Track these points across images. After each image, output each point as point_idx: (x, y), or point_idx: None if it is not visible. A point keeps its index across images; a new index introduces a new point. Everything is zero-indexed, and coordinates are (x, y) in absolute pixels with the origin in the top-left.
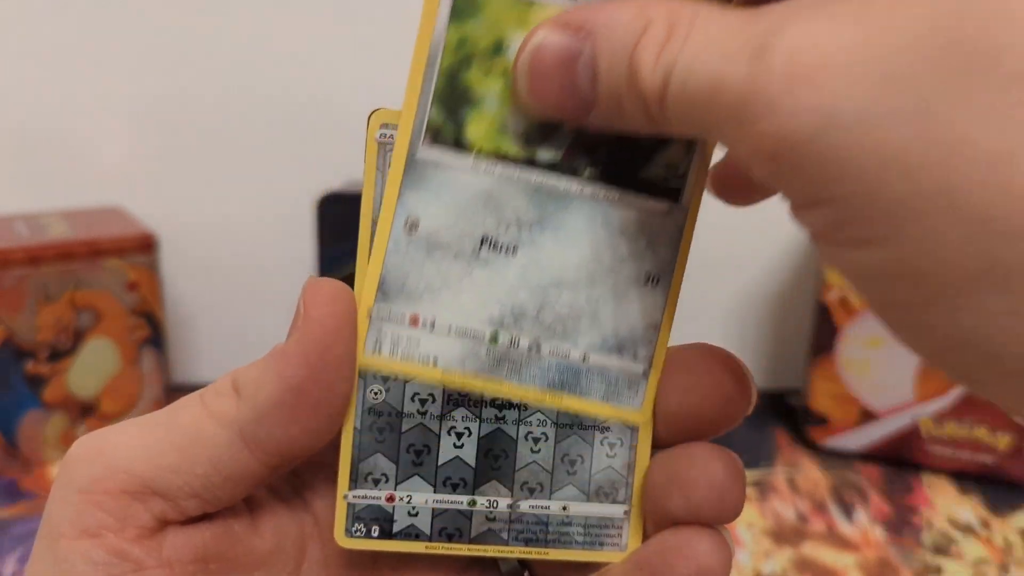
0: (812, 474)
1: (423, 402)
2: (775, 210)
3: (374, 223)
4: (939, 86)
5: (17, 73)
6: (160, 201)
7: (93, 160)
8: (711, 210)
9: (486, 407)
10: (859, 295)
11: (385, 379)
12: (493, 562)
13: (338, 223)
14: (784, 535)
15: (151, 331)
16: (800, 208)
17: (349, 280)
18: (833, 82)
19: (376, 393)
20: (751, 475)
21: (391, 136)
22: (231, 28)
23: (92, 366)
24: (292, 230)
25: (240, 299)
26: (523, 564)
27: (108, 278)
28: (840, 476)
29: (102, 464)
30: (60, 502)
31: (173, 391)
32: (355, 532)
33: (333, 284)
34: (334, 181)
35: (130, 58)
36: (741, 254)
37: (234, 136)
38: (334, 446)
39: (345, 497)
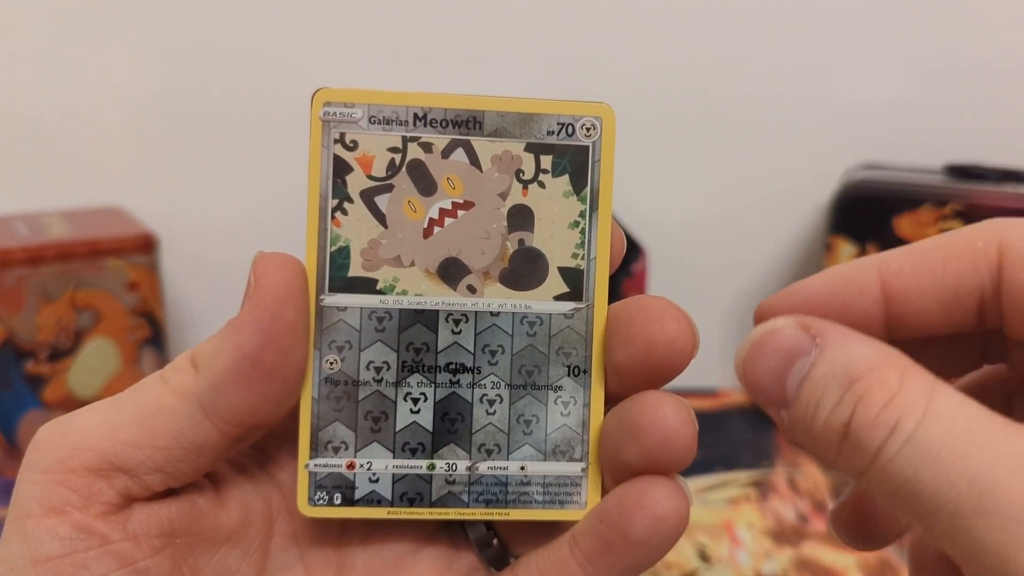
0: (812, 474)
1: (378, 370)
2: (775, 210)
3: (322, 199)
4: None
5: (17, 73)
6: (160, 201)
7: (93, 160)
8: (711, 211)
9: (440, 372)
10: None
11: (340, 349)
12: (461, 528)
13: None
14: (784, 535)
15: (151, 331)
16: None
17: None
18: None
19: (332, 363)
20: (751, 475)
21: (335, 114)
22: (231, 28)
23: (92, 366)
24: (292, 230)
25: (240, 299)
26: (490, 529)
27: (108, 278)
28: (840, 476)
29: (67, 444)
30: (27, 484)
31: None
32: (318, 500)
33: (282, 256)
34: None
35: (130, 58)
36: (741, 255)
37: (234, 136)
38: (296, 418)
39: (306, 466)
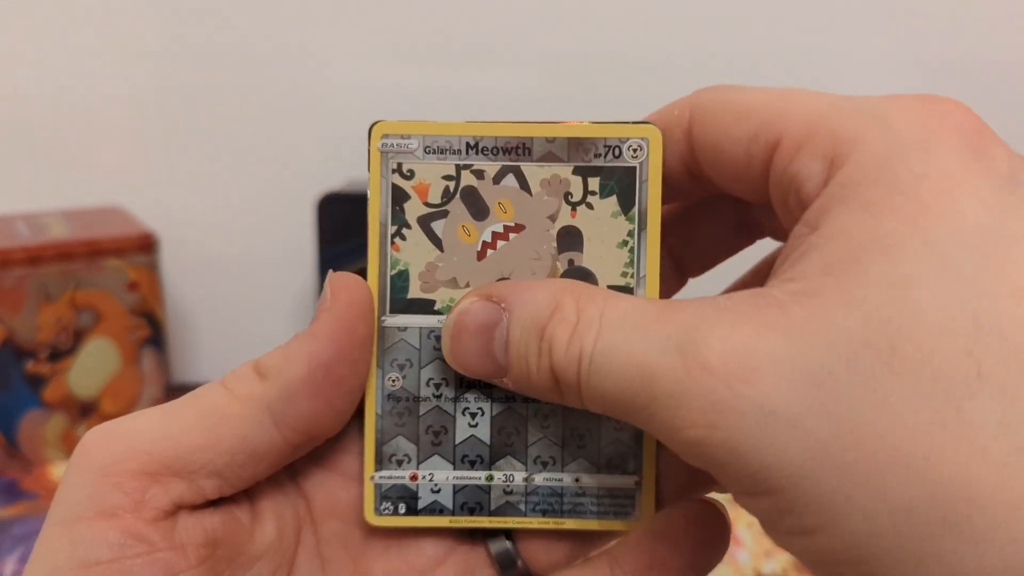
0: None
1: (437, 386)
2: None
3: (382, 226)
4: (857, 388)
5: (17, 72)
6: (160, 201)
7: (93, 160)
8: None
9: (496, 388)
10: (810, 573)
11: (401, 367)
12: (482, 543)
13: (338, 223)
14: None
15: (151, 331)
16: (740, 496)
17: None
18: (766, 383)
19: (394, 381)
20: None
21: (393, 145)
22: (231, 28)
23: (92, 366)
24: (292, 230)
25: (240, 299)
26: (512, 545)
27: (108, 278)
28: None
29: (122, 446)
30: (75, 485)
31: (173, 391)
32: (383, 510)
33: (355, 276)
34: (334, 181)
35: (130, 58)
36: (740, 255)
37: (234, 136)
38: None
39: (372, 478)
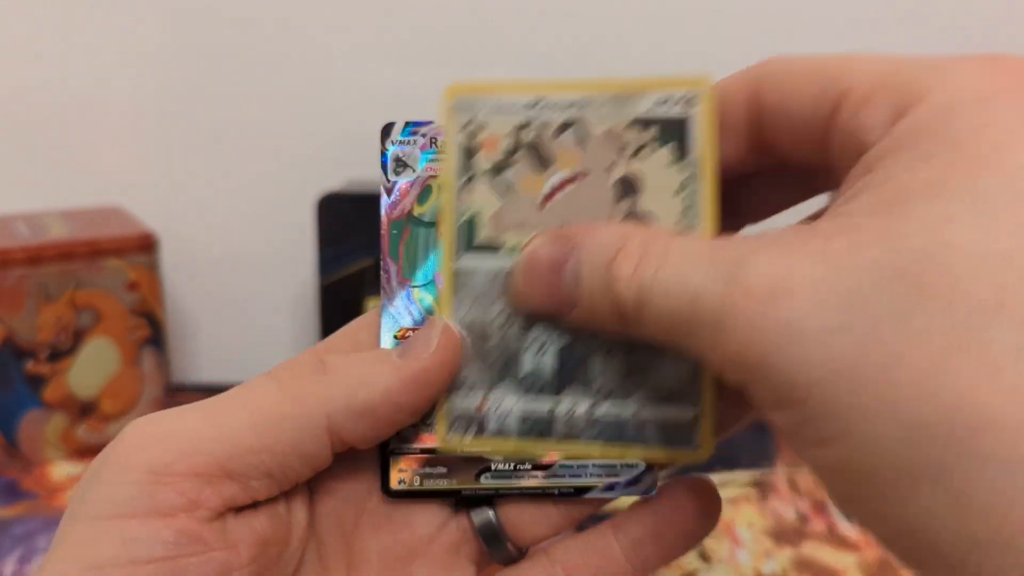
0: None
1: (504, 322)
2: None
3: (455, 178)
4: (883, 310)
5: (17, 72)
6: (160, 201)
7: (93, 160)
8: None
9: (560, 324)
10: (824, 488)
11: (472, 303)
12: (468, 519)
13: (338, 223)
14: (784, 535)
15: (151, 331)
16: (768, 409)
17: (354, 277)
18: (799, 303)
19: (466, 315)
20: (751, 475)
21: (464, 103)
22: (231, 28)
23: (92, 366)
24: (292, 230)
25: (240, 299)
26: (494, 512)
27: (108, 278)
28: None
29: (174, 446)
30: (122, 483)
31: (173, 391)
32: (453, 433)
33: (457, 336)
34: (334, 181)
35: (131, 58)
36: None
37: (234, 136)
38: None
39: (444, 406)
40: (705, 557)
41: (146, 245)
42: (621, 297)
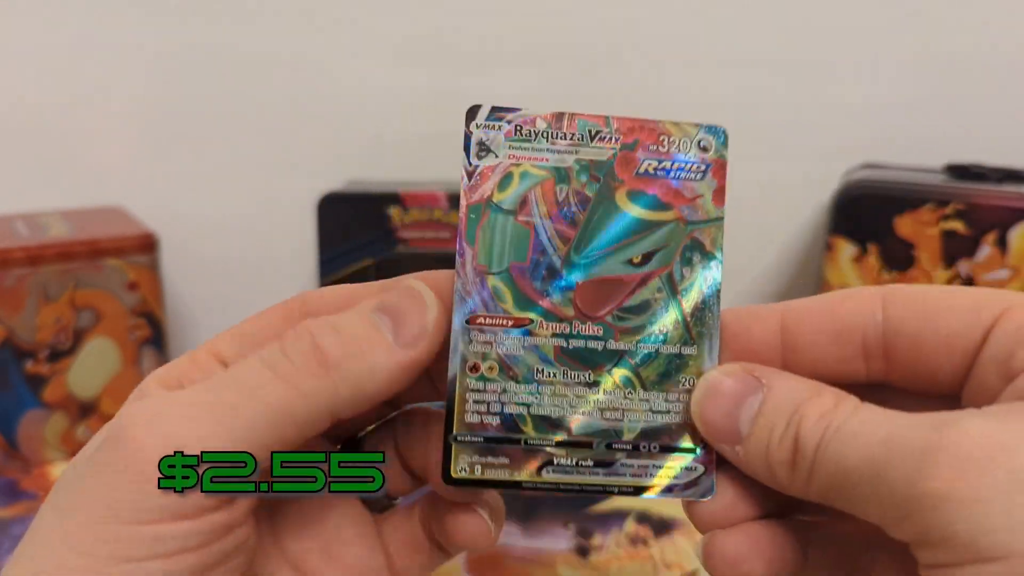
0: None
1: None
2: (775, 210)
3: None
4: None
5: (17, 73)
6: (160, 201)
7: (93, 160)
8: None
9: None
10: None
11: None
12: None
13: (338, 223)
14: None
15: (151, 331)
16: (932, 547)
17: (354, 277)
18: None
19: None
20: None
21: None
22: (231, 29)
23: (92, 366)
24: (292, 230)
25: (240, 299)
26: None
27: (108, 278)
28: None
29: (185, 449)
30: (139, 492)
31: None
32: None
33: (444, 274)
34: (334, 181)
35: (130, 58)
36: (740, 255)
37: (234, 136)
38: None
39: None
40: None
41: (146, 245)
42: (802, 439)
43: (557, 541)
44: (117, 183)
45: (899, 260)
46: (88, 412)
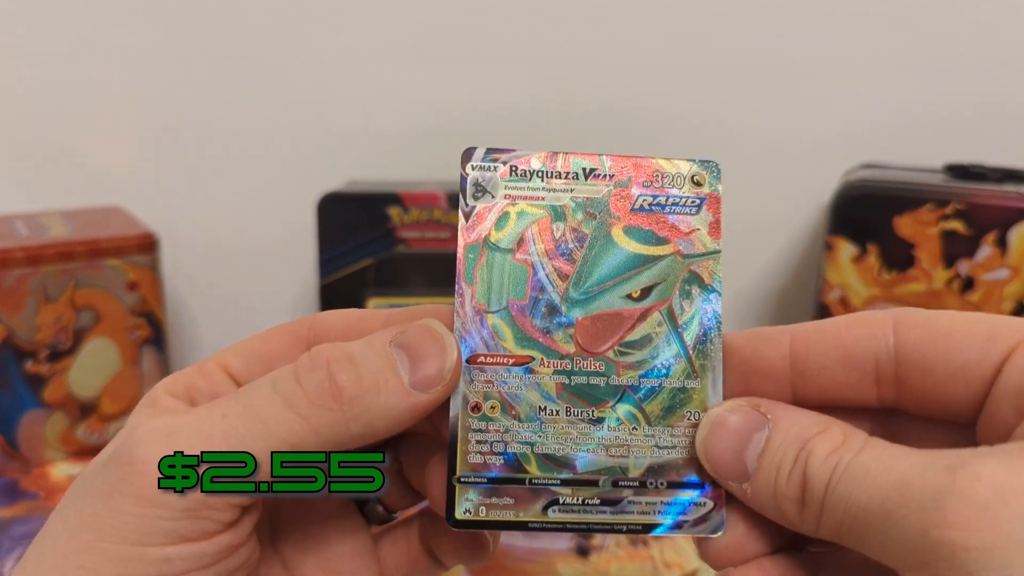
0: None
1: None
2: (776, 210)
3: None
4: None
5: (17, 73)
6: (160, 201)
7: (93, 160)
8: None
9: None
10: None
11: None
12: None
13: (338, 223)
14: None
15: (151, 331)
16: None
17: (354, 277)
18: None
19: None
20: None
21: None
22: (232, 29)
23: (92, 366)
24: (292, 230)
25: (240, 299)
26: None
27: (108, 278)
28: None
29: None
30: (151, 518)
31: None
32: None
33: (462, 361)
34: (334, 181)
35: (131, 59)
36: (741, 255)
37: (235, 136)
38: None
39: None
40: None
41: (146, 245)
42: (811, 477)
43: (557, 541)
44: (117, 183)
45: (899, 260)
46: (88, 412)
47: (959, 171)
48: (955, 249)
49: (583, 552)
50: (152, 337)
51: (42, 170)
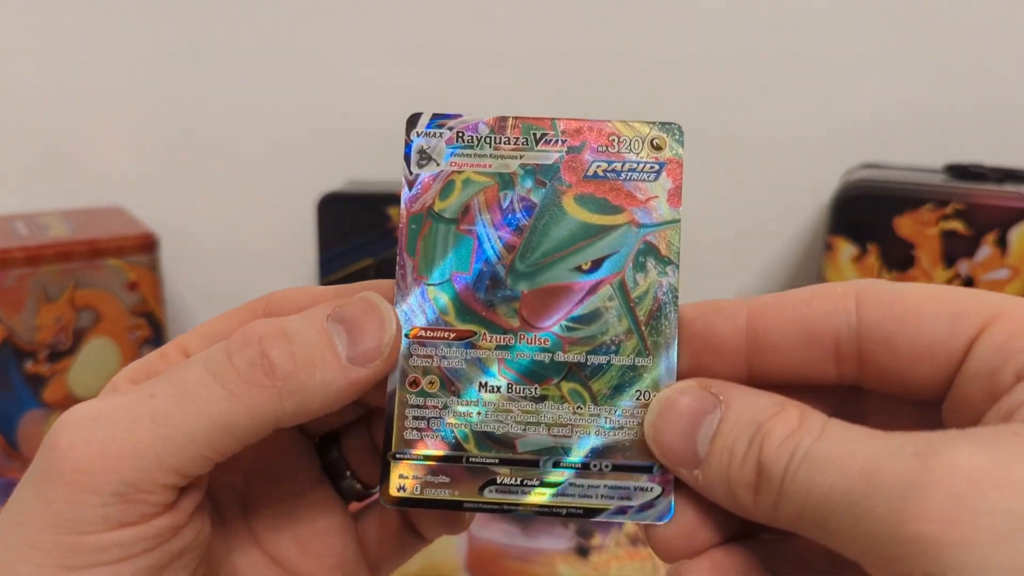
0: None
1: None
2: (776, 210)
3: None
4: None
5: (18, 73)
6: (160, 201)
7: (93, 160)
8: (712, 208)
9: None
10: None
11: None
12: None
13: (338, 223)
14: None
15: (151, 331)
16: None
17: (354, 277)
18: (1018, 495)
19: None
20: None
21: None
22: (232, 28)
23: (92, 366)
24: (292, 230)
25: (240, 299)
26: (339, 450)
27: (108, 278)
28: None
29: (135, 466)
30: (83, 505)
31: None
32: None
33: (401, 335)
34: (334, 181)
35: (131, 59)
36: (741, 255)
37: (235, 136)
38: None
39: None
40: None
41: (146, 245)
42: (766, 462)
43: (557, 541)
44: (117, 183)
45: (899, 260)
46: None
47: (959, 171)
48: (955, 249)
49: (583, 552)
50: (152, 337)
51: (42, 170)
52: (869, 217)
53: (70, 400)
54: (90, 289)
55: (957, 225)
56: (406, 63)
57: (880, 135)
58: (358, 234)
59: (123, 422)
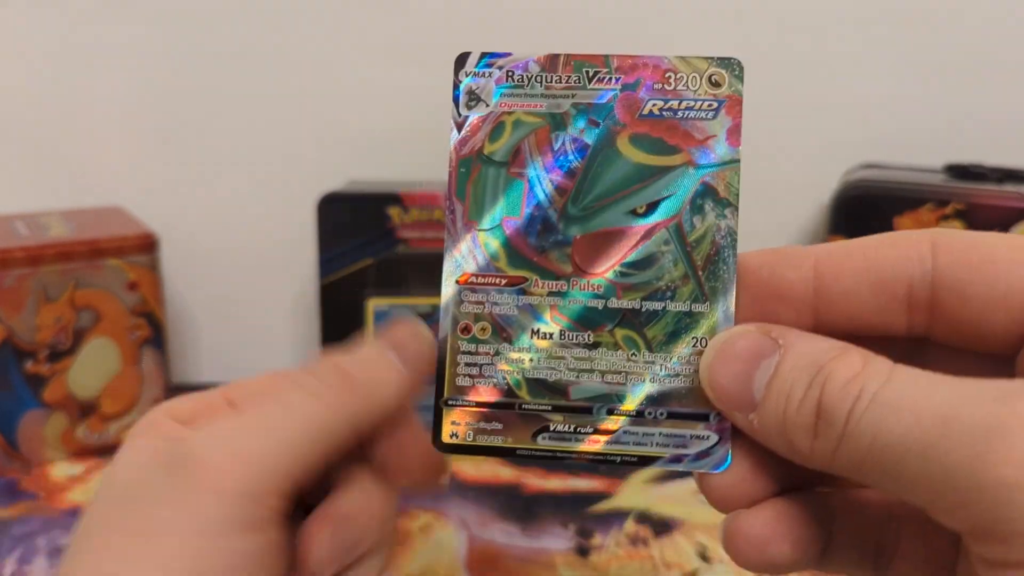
0: None
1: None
2: (776, 210)
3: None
4: None
5: (17, 73)
6: (160, 201)
7: (93, 160)
8: None
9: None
10: None
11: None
12: None
13: (338, 223)
14: None
15: (151, 331)
16: (998, 541)
17: (354, 277)
18: None
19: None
20: None
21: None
22: (231, 28)
23: (92, 366)
24: (292, 230)
25: (240, 299)
26: None
27: (108, 278)
28: None
29: (261, 472)
30: (215, 505)
31: (173, 391)
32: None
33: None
34: (334, 181)
35: (130, 58)
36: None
37: (234, 136)
38: None
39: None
40: (705, 557)
41: (146, 245)
42: (827, 404)
43: (557, 541)
44: (117, 183)
45: None
46: (88, 412)
47: (959, 171)
48: None
49: (583, 552)
50: (152, 337)
51: (42, 170)
52: (869, 217)
53: (70, 400)
54: (90, 289)
55: (957, 225)
56: (406, 63)
57: (880, 135)
58: (358, 234)
59: (246, 436)
